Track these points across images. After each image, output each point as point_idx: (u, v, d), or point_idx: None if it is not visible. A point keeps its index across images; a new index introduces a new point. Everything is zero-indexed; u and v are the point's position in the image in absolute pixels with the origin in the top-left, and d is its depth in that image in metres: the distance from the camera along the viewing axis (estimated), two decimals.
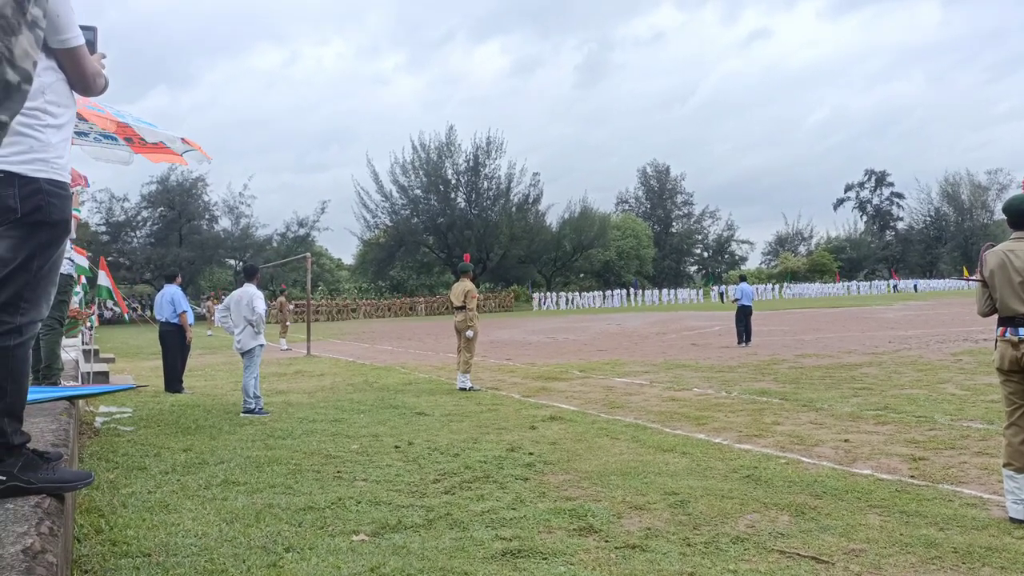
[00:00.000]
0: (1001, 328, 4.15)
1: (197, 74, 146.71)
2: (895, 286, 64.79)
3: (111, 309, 33.87)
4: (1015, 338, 4.04)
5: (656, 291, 60.94)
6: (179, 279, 11.03)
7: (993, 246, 4.28)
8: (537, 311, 50.22)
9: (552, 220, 62.20)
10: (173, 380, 10.32)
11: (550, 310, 51.47)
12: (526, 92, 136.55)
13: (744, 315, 16.78)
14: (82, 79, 2.51)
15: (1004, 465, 4.11)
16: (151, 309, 16.15)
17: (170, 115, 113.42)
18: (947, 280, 65.22)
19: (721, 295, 55.32)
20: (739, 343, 16.52)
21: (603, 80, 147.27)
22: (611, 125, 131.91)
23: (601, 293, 57.62)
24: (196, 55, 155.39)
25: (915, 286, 64.61)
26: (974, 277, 4.37)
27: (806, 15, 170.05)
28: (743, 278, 19.08)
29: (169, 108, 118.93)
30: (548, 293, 56.83)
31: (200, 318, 39.61)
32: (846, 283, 65.80)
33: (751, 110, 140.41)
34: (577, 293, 57.13)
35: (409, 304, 52.53)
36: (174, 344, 10.42)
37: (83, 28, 2.53)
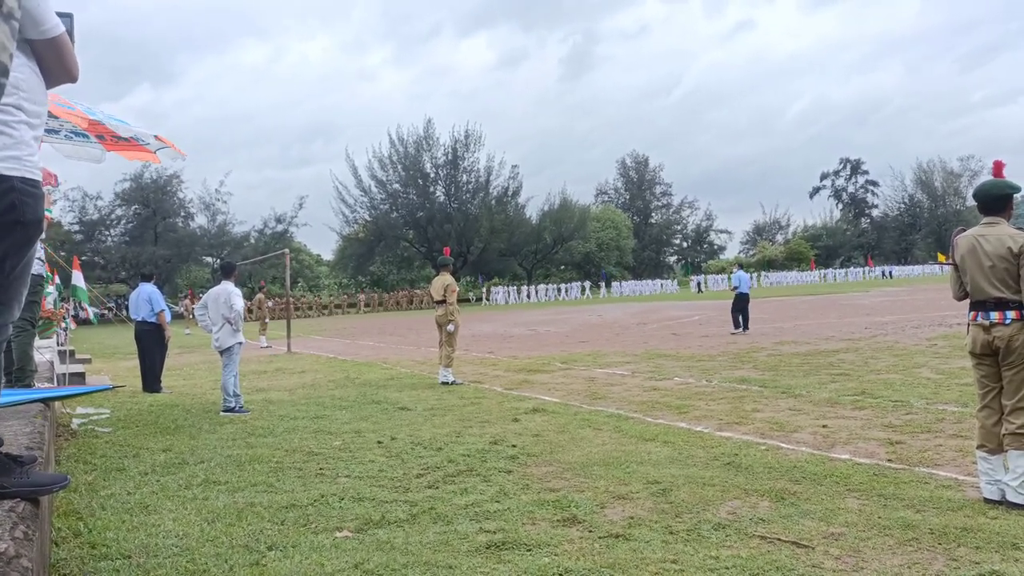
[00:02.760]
0: (972, 312, 4.21)
1: (181, 71, 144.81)
2: (883, 272, 65.21)
3: (85, 308, 33.32)
4: (986, 322, 4.11)
5: (625, 282, 58.72)
6: (155, 278, 10.92)
7: (964, 231, 4.34)
8: (484, 306, 47.71)
9: (532, 212, 62.28)
10: (151, 380, 10.19)
11: (495, 305, 48.22)
12: (512, 85, 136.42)
13: (741, 303, 16.93)
14: (65, 68, 2.44)
15: (978, 447, 4.19)
16: (127, 309, 15.95)
17: (153, 112, 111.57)
18: (923, 266, 66.10)
19: (699, 285, 55.44)
20: (739, 330, 16.63)
21: (588, 73, 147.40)
22: (596, 117, 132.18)
23: (557, 286, 55.02)
24: (180, 51, 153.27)
25: (890, 272, 65.46)
26: (948, 262, 4.43)
27: (788, 6, 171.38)
28: (741, 266, 19.34)
29: (152, 105, 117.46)
30: (496, 288, 53.67)
31: (178, 317, 39.13)
32: (822, 271, 66.45)
33: (734, 101, 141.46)
34: (531, 286, 54.33)
35: (348, 300, 50.30)
36: (151, 343, 10.30)
37: (58, 15, 2.47)
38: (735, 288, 17.44)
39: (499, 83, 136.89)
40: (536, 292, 53.09)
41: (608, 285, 57.91)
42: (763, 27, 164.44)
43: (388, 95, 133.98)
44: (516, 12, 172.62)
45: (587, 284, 56.82)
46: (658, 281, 61.76)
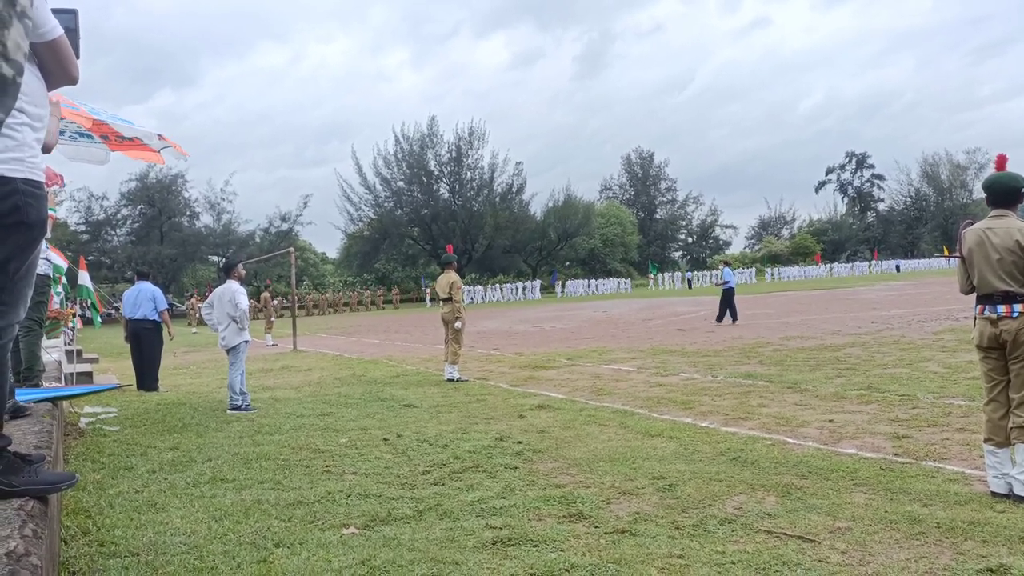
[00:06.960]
0: (980, 306, 4.20)
1: (202, 74, 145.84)
2: (897, 266, 64.43)
3: (91, 308, 33.44)
4: (993, 316, 4.09)
5: (577, 281, 56.10)
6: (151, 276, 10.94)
7: (972, 223, 4.31)
8: (429, 307, 44.39)
9: (536, 209, 62.05)
10: (150, 378, 10.18)
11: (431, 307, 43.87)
12: (526, 84, 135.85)
13: (728, 297, 18.36)
14: (65, 70, 2.44)
15: (985, 440, 4.18)
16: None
17: (174, 114, 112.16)
18: (929, 259, 65.58)
19: (689, 281, 55.13)
20: (733, 321, 17.91)
21: (603, 71, 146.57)
22: (608, 114, 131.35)
23: (514, 286, 52.86)
24: (201, 55, 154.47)
25: (897, 266, 65.06)
26: (955, 255, 4.41)
27: (803, 2, 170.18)
28: (727, 263, 20.68)
29: (174, 107, 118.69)
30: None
31: (179, 316, 39.23)
32: (828, 264, 66.05)
33: (747, 96, 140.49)
34: (483, 287, 52.23)
35: (299, 301, 46.44)
36: (152, 342, 10.29)
37: (62, 11, 2.46)
38: (724, 283, 18.86)
39: (514, 82, 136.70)
40: (488, 293, 51.16)
41: (563, 286, 55.46)
42: (778, 23, 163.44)
43: (405, 95, 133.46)
44: (533, 11, 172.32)
45: (535, 284, 54.47)
46: (614, 280, 59.06)
